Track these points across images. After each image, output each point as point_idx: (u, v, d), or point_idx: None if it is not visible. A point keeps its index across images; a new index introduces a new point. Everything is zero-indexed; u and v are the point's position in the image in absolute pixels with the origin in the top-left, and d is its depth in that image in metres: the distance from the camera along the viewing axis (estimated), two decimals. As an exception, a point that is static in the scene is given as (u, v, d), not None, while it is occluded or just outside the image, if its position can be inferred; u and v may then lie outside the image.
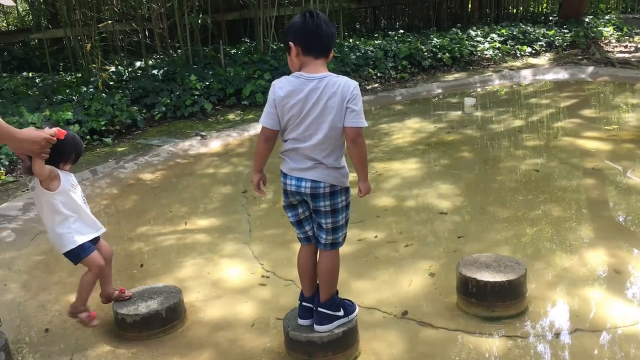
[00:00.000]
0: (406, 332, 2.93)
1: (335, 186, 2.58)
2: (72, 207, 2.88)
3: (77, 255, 2.91)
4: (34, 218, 4.60)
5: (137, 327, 2.98)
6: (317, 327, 2.66)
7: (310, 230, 2.72)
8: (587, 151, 5.70)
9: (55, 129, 2.68)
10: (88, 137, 6.61)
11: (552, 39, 11.94)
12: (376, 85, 9.54)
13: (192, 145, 6.71)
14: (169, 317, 3.04)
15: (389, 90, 9.16)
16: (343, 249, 3.86)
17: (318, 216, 2.63)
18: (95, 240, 2.99)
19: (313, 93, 2.48)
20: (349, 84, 2.49)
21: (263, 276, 3.60)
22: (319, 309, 2.67)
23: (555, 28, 12.67)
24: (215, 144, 6.85)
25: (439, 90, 9.27)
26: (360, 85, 9.18)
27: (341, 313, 2.70)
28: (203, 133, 7.03)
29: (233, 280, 3.58)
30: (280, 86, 2.54)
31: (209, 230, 4.41)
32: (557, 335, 2.85)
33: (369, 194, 2.68)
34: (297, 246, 3.94)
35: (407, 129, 7.04)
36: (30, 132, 2.58)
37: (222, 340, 2.96)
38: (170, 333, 3.03)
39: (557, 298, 3.16)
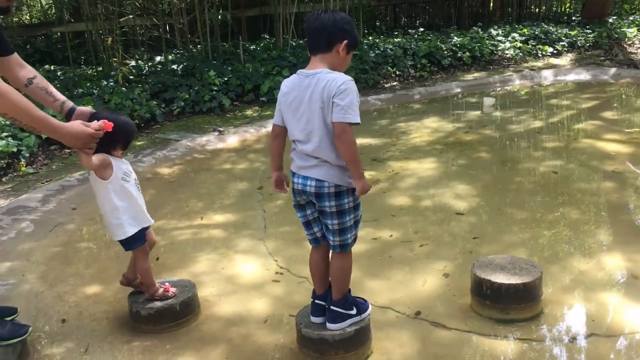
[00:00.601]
0: (419, 333, 2.92)
1: (341, 186, 2.54)
2: (123, 197, 2.89)
3: (128, 244, 2.98)
4: (52, 210, 4.67)
5: (152, 320, 3.01)
6: (329, 325, 2.66)
7: (320, 232, 2.70)
8: (607, 154, 5.62)
9: (100, 123, 2.66)
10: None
11: (574, 39, 11.79)
12: (395, 83, 9.50)
13: (210, 141, 6.74)
14: (183, 311, 3.06)
15: (408, 89, 9.12)
16: (357, 248, 3.86)
17: (324, 217, 2.61)
18: (146, 229, 3.03)
19: (306, 90, 2.48)
20: (338, 79, 2.43)
21: (277, 273, 3.61)
22: (331, 307, 2.67)
23: (578, 28, 12.52)
24: (232, 140, 6.88)
25: (458, 90, 9.21)
26: (378, 83, 9.27)
27: (354, 312, 2.70)
28: (221, 128, 7.07)
29: (247, 276, 3.60)
30: (285, 84, 2.58)
31: (225, 225, 4.43)
32: (572, 339, 2.82)
33: (364, 194, 2.56)
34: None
35: (425, 128, 7.00)
36: (74, 126, 2.58)
37: (235, 335, 2.98)
38: (184, 327, 3.05)
39: (573, 302, 3.12)
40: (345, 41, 2.50)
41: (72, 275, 3.71)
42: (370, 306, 2.81)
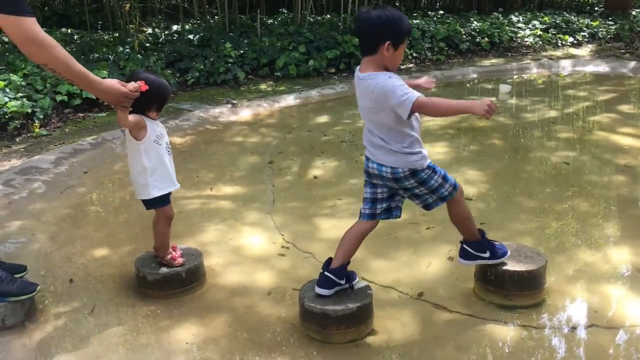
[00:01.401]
0: (420, 313, 2.95)
1: (414, 169, 2.67)
2: (153, 159, 2.93)
3: (149, 204, 3.03)
4: (64, 172, 4.71)
5: (158, 286, 3.05)
6: (460, 260, 3.00)
7: (381, 209, 2.79)
8: (621, 147, 5.58)
9: (138, 83, 2.70)
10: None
11: (595, 30, 11.63)
12: (411, 65, 9.44)
13: (223, 113, 6.75)
14: (189, 279, 3.10)
15: (424, 72, 9.05)
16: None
17: (410, 191, 2.75)
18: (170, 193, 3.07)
19: (361, 91, 2.65)
20: (377, 86, 2.54)
21: (283, 247, 3.64)
22: (464, 245, 2.95)
23: (600, 19, 12.34)
24: (245, 113, 6.88)
25: (474, 75, 9.13)
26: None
27: (486, 255, 2.91)
28: (234, 101, 7.07)
29: (253, 249, 3.63)
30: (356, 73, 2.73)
31: (234, 197, 4.46)
32: (573, 329, 2.84)
33: (488, 114, 2.45)
34: (318, 221, 4.00)
35: (439, 112, 6.96)
36: (111, 84, 2.63)
37: (239, 305, 3.02)
38: (189, 294, 3.09)
39: (576, 292, 3.13)
40: (387, 42, 2.53)
41: (81, 238, 3.76)
42: (508, 251, 2.96)
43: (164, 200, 3.03)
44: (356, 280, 2.86)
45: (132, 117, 2.81)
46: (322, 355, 2.62)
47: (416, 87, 2.81)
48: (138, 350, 2.65)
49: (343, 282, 2.78)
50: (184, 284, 3.09)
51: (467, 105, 2.56)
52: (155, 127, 2.96)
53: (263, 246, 3.67)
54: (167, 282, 3.05)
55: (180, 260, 3.11)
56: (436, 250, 3.57)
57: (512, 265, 2.96)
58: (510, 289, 2.95)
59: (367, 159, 2.76)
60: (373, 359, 2.60)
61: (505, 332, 2.79)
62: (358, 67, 2.69)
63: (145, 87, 2.71)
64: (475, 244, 2.94)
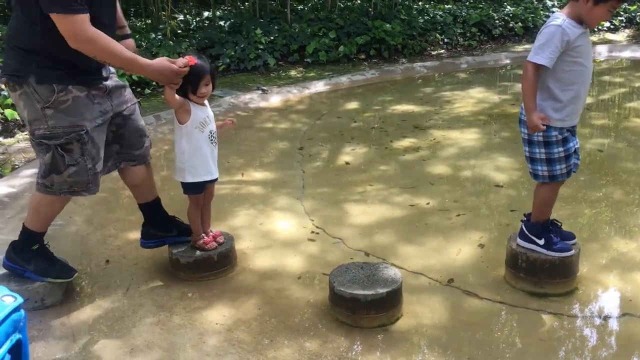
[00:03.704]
0: (450, 300, 2.95)
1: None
2: (192, 145, 2.96)
3: (184, 188, 3.07)
4: (99, 157, 4.79)
5: (190, 268, 3.11)
6: (518, 240, 3.01)
7: None
8: (659, 135, 5.44)
9: (186, 59, 2.73)
10: (154, 83, 6.78)
11: (633, 14, 11.31)
12: (442, 51, 9.33)
13: (253, 99, 6.79)
14: (221, 262, 3.15)
15: (455, 58, 8.95)
16: (393, 213, 3.89)
17: (523, 142, 2.92)
18: (208, 182, 3.08)
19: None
20: (548, 22, 2.72)
21: (312, 232, 3.67)
22: (522, 225, 2.99)
23: (638, 3, 11.98)
24: (275, 99, 6.91)
25: (507, 61, 8.99)
26: (425, 50, 9.12)
27: (541, 242, 2.93)
28: (264, 87, 7.10)
29: (283, 233, 3.67)
30: None
31: (264, 183, 4.50)
32: (605, 317, 2.80)
33: (533, 131, 2.78)
34: (348, 207, 4.02)
35: (470, 98, 6.89)
36: (161, 64, 2.68)
37: (269, 288, 3.06)
38: (221, 277, 3.15)
39: (609, 281, 3.09)
40: None
41: (116, 221, 3.85)
42: (571, 251, 2.94)
43: (197, 188, 3.05)
44: (562, 254, 2.93)
45: (180, 98, 2.85)
46: (350, 339, 2.64)
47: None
48: (172, 331, 2.72)
49: (541, 242, 2.92)
50: (215, 267, 3.14)
51: None
52: (201, 114, 2.95)
53: (293, 231, 3.70)
54: (199, 265, 3.11)
55: (212, 244, 3.16)
56: (467, 237, 3.55)
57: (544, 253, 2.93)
58: (541, 277, 2.93)
59: None
60: (401, 344, 2.62)
61: (536, 319, 2.78)
62: None
63: (194, 61, 2.73)
64: (531, 225, 2.95)
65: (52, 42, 2.50)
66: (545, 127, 2.73)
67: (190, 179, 3.01)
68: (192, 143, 2.96)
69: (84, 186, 2.74)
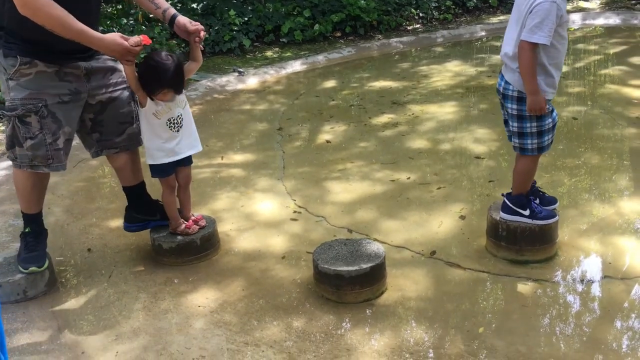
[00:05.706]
0: (433, 271, 2.98)
1: (523, 93, 2.77)
2: (148, 129, 2.94)
3: (152, 171, 3.06)
4: (76, 146, 4.71)
5: (173, 254, 3.10)
6: (501, 213, 3.00)
7: (508, 132, 3.00)
8: (632, 100, 5.51)
9: (139, 37, 2.68)
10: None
11: (606, -19, 11.35)
12: (418, 25, 9.30)
13: (230, 81, 6.73)
14: (204, 246, 3.15)
15: (431, 32, 8.93)
16: (375, 189, 3.90)
17: (510, 117, 2.89)
18: (177, 164, 3.04)
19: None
20: None
21: (295, 212, 3.67)
22: (505, 199, 2.99)
23: (611, -30, 12.03)
24: (252, 81, 6.85)
25: (483, 33, 9.00)
26: (401, 25, 9.08)
27: (526, 212, 2.94)
28: (241, 69, 7.03)
29: (266, 214, 3.66)
30: None
31: (244, 165, 4.48)
32: (586, 281, 2.86)
33: (535, 112, 2.77)
34: (329, 185, 4.02)
35: (447, 72, 6.90)
36: (112, 40, 2.63)
37: (254, 270, 3.06)
38: (205, 260, 3.14)
39: (589, 246, 3.14)
40: None
41: (96, 210, 3.81)
42: (556, 217, 2.98)
43: (161, 170, 3.02)
44: (546, 221, 2.96)
45: (136, 80, 2.81)
46: (337, 314, 2.66)
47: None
48: (157, 316, 2.71)
49: (526, 212, 2.94)
50: (199, 250, 3.13)
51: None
52: (156, 106, 2.91)
53: (275, 211, 3.70)
54: (182, 249, 3.10)
55: (194, 227, 3.14)
56: (447, 210, 3.58)
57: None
58: (522, 245, 2.97)
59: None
60: (388, 317, 2.64)
61: (519, 286, 2.82)
62: None
63: (148, 41, 2.67)
64: (515, 198, 2.96)
65: (20, 19, 2.48)
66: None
67: (150, 160, 3.00)
68: (149, 127, 2.94)
69: (44, 161, 2.76)
